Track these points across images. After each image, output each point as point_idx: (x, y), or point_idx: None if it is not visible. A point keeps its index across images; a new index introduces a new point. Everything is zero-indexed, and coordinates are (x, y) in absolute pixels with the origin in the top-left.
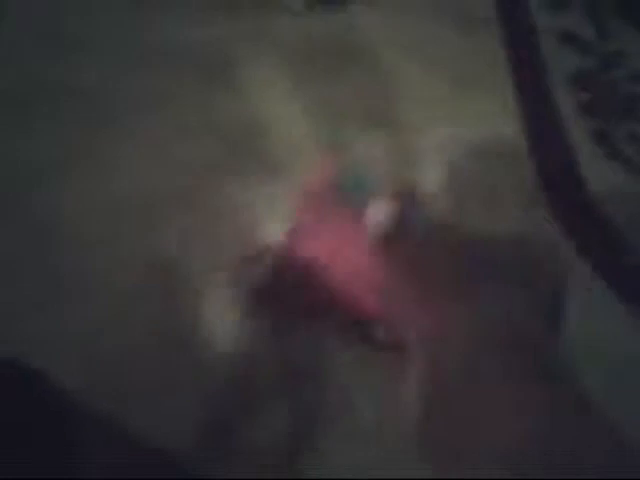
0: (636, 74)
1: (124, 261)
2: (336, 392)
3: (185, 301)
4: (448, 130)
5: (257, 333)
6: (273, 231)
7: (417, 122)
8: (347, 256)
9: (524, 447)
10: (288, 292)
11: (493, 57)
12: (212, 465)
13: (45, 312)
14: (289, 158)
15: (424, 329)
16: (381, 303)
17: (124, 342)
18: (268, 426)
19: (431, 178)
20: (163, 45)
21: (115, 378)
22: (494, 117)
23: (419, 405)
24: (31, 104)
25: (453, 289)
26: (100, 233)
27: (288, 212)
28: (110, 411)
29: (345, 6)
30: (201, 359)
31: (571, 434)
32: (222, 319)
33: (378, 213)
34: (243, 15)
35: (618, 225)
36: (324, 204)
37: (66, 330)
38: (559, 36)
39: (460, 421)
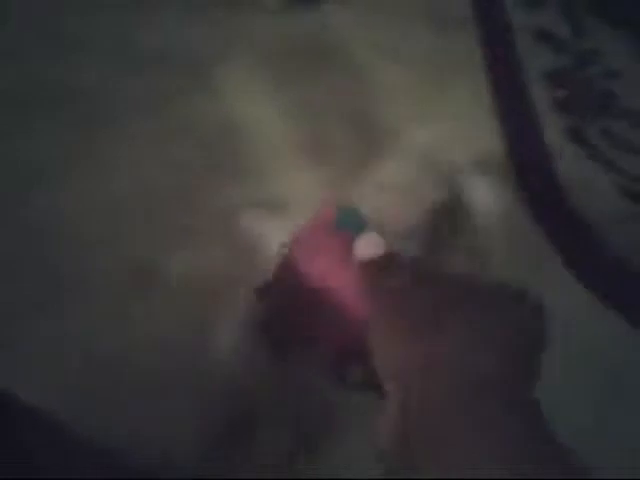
0: (611, 71)
1: (124, 261)
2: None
3: (185, 302)
4: (426, 133)
5: (257, 343)
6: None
7: (394, 122)
8: (335, 284)
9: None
10: (287, 308)
11: (469, 55)
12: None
13: (45, 312)
14: (267, 160)
15: (403, 362)
16: (363, 333)
17: (124, 342)
18: (268, 432)
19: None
20: (159, 46)
21: (115, 379)
22: (470, 116)
23: (397, 436)
24: (31, 104)
25: (432, 326)
26: (100, 233)
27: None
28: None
29: (319, 5)
30: (201, 361)
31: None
32: (223, 326)
33: (366, 247)
34: (219, 16)
35: (595, 224)
36: (318, 237)
37: (66, 330)
38: (535, 34)
39: (436, 452)
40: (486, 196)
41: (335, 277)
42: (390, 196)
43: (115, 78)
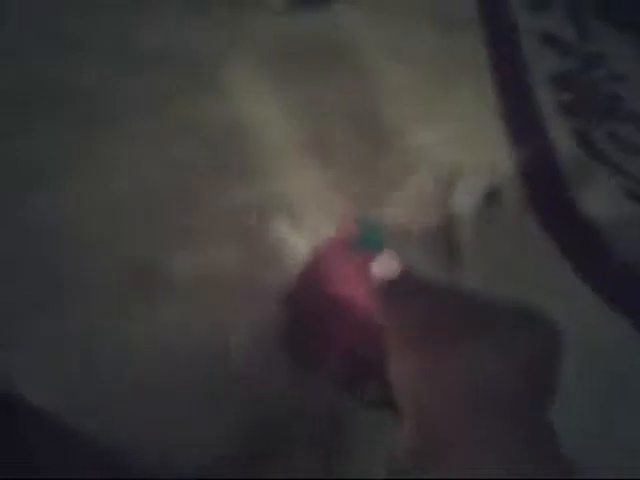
0: (617, 74)
1: (125, 261)
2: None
3: (187, 302)
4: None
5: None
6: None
7: (401, 123)
8: (353, 300)
9: None
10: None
11: (475, 57)
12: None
13: (45, 312)
14: (273, 161)
15: (416, 379)
16: (380, 350)
17: (124, 343)
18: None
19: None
20: (160, 46)
21: (115, 380)
22: (476, 117)
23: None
24: (31, 104)
25: (445, 343)
26: (100, 233)
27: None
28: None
29: (329, 5)
30: (204, 362)
31: None
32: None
33: (383, 267)
34: (222, 16)
35: (602, 228)
36: (339, 253)
37: (66, 330)
38: (540, 37)
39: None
40: (490, 199)
41: (354, 293)
42: (397, 199)
43: (115, 78)
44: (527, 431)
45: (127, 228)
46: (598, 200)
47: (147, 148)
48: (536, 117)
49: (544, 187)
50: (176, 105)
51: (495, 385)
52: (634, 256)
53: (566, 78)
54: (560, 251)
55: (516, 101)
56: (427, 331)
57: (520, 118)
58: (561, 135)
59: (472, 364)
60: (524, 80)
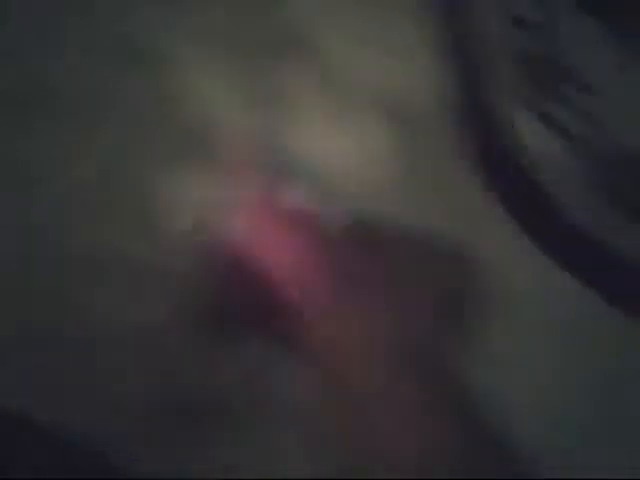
0: (570, 46)
1: (123, 261)
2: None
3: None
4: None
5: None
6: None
7: (355, 101)
8: (271, 243)
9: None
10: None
11: (429, 30)
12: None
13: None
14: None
15: (334, 326)
16: (298, 294)
17: (124, 342)
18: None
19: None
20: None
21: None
22: (429, 89)
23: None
24: (31, 104)
25: (366, 288)
26: (100, 233)
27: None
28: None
29: None
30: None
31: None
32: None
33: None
34: (184, 8)
35: (552, 189)
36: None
37: (66, 330)
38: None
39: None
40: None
41: (270, 235)
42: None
43: (115, 78)
44: (434, 372)
45: (126, 228)
46: (548, 164)
47: (144, 147)
48: (492, 86)
49: (497, 155)
50: (172, 104)
51: (416, 330)
52: (586, 222)
53: (522, 48)
54: (510, 214)
55: (471, 70)
56: (358, 278)
57: (475, 87)
58: (515, 103)
59: (397, 310)
60: (480, 49)
